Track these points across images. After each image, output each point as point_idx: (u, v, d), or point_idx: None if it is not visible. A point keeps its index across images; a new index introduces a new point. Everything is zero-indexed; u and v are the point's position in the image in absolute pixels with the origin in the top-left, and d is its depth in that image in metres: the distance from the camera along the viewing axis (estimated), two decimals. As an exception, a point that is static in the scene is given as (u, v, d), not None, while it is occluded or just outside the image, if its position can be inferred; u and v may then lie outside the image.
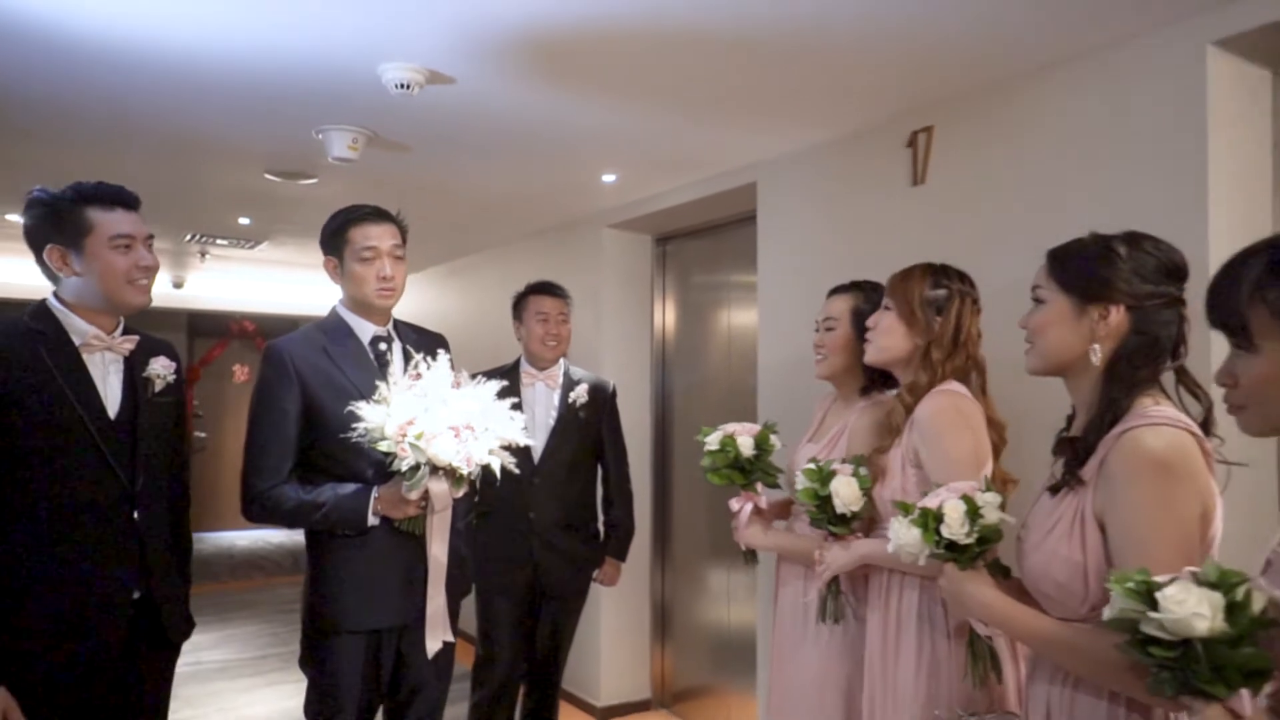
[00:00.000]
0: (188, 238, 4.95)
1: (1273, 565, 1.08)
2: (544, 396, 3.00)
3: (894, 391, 2.04)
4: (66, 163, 3.36)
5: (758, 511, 2.14)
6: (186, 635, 1.98)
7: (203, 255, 5.37)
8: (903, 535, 1.47)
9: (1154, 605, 1.01)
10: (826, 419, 2.27)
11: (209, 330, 8.99)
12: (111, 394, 1.84)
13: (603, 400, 3.08)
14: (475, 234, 4.90)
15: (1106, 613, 1.08)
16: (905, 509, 1.50)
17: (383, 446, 1.87)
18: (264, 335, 9.12)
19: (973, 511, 1.41)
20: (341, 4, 2.02)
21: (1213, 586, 0.99)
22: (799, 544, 2.11)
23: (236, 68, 2.41)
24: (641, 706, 4.24)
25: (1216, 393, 1.19)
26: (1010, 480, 1.92)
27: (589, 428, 3.03)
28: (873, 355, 1.97)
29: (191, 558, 2.09)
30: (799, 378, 3.04)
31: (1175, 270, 1.41)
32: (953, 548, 1.42)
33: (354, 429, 1.90)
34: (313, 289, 7.24)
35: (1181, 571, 1.04)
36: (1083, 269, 1.42)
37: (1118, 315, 1.38)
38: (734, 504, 2.15)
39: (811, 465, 1.93)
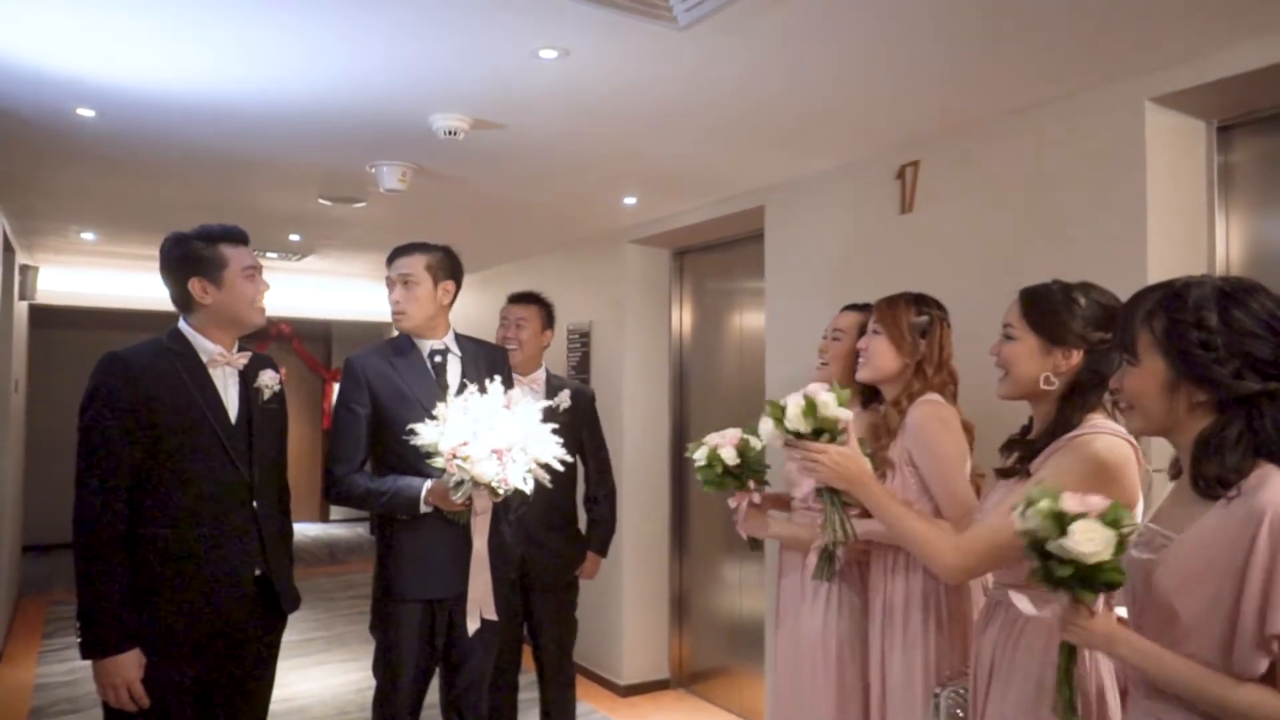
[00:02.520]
0: (241, 251, 5.33)
1: (1143, 535, 1.40)
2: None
3: (884, 405, 2.34)
4: (155, 191, 3.77)
5: (753, 506, 2.39)
6: (295, 607, 2.29)
7: (251, 266, 5.74)
8: (762, 427, 1.85)
9: (1064, 532, 1.27)
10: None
11: (249, 333, 9.35)
12: (231, 402, 2.16)
13: (584, 405, 3.23)
14: (506, 246, 5.24)
15: (1019, 524, 1.33)
16: (769, 405, 1.86)
17: (435, 463, 2.18)
18: (299, 337, 9.52)
19: (810, 407, 1.76)
20: (397, 64, 2.36)
21: (1111, 525, 1.27)
22: (795, 532, 2.40)
23: (303, 114, 2.76)
24: (661, 685, 4.55)
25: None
26: (979, 474, 2.24)
27: (572, 431, 3.06)
28: (865, 374, 2.25)
29: (293, 545, 2.39)
30: (803, 383, 3.33)
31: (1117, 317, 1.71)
32: (798, 435, 1.79)
33: (413, 441, 2.20)
34: (344, 294, 7.61)
35: (1089, 505, 1.30)
36: (1051, 317, 1.71)
37: (1077, 356, 1.69)
38: (732, 503, 2.40)
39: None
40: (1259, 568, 1.18)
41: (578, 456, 3.19)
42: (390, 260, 2.51)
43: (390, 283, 2.49)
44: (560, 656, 3.21)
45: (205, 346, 2.15)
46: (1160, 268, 2.27)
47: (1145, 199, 2.28)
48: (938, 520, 1.77)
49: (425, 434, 2.20)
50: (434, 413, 2.22)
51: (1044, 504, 1.30)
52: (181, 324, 2.18)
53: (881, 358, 2.21)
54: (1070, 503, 1.29)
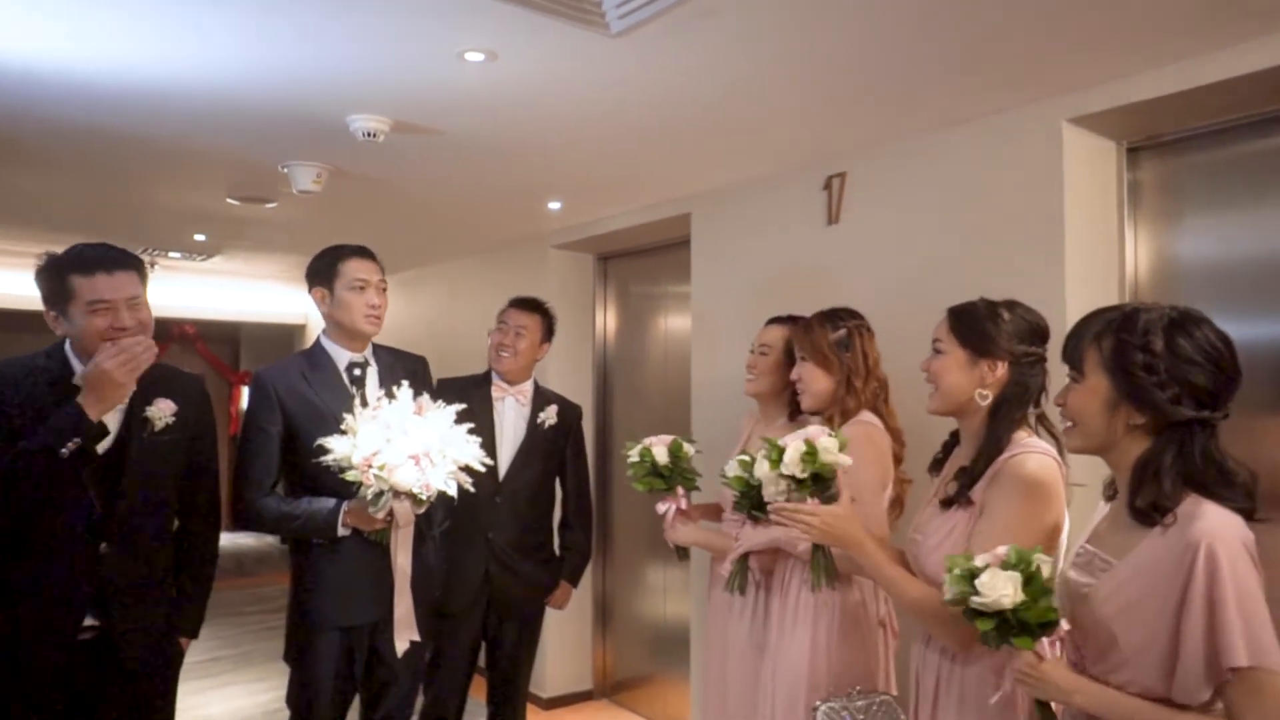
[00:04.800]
0: (141, 250, 5.04)
1: (1081, 557, 1.43)
2: (513, 412, 2.93)
3: (816, 417, 2.35)
4: (41, 185, 3.51)
5: (681, 512, 2.41)
6: (153, 664, 2.05)
7: (152, 265, 5.45)
8: (759, 469, 1.81)
9: (976, 590, 1.31)
10: (753, 434, 2.57)
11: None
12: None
13: (571, 422, 3.03)
14: (426, 250, 5.10)
15: (945, 594, 1.38)
16: (768, 442, 1.82)
17: (350, 476, 2.07)
18: (204, 339, 9.11)
19: (811, 454, 1.73)
20: (313, 59, 2.23)
21: (1012, 567, 1.31)
22: (724, 542, 2.38)
23: (209, 106, 2.58)
24: (584, 696, 4.50)
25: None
26: (906, 480, 2.27)
27: (554, 448, 2.97)
28: (809, 404, 2.26)
29: (209, 585, 2.22)
30: (729, 392, 3.34)
31: (1041, 333, 1.76)
32: (795, 479, 1.75)
33: (322, 459, 2.10)
34: (253, 296, 7.31)
35: (992, 556, 1.35)
36: (976, 329, 1.73)
37: (1002, 369, 1.71)
38: (659, 507, 2.41)
39: (745, 456, 2.13)
40: (1198, 601, 1.21)
41: (556, 477, 3.05)
42: (358, 259, 2.40)
43: (365, 284, 2.37)
44: (516, 686, 3.01)
45: (79, 368, 1.97)
46: (1077, 281, 2.35)
47: (1063, 215, 2.35)
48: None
49: (336, 447, 2.09)
50: (342, 426, 2.12)
51: (956, 570, 1.35)
52: (66, 342, 2.02)
53: (816, 383, 2.23)
54: (978, 560, 1.34)
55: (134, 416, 2.02)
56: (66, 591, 1.91)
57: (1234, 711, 1.22)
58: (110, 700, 1.99)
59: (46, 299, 1.97)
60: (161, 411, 2.04)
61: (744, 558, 2.23)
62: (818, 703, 1.97)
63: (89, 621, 1.94)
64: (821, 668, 2.08)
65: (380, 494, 2.07)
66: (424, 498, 2.11)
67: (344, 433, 2.11)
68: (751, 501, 2.11)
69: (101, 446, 1.92)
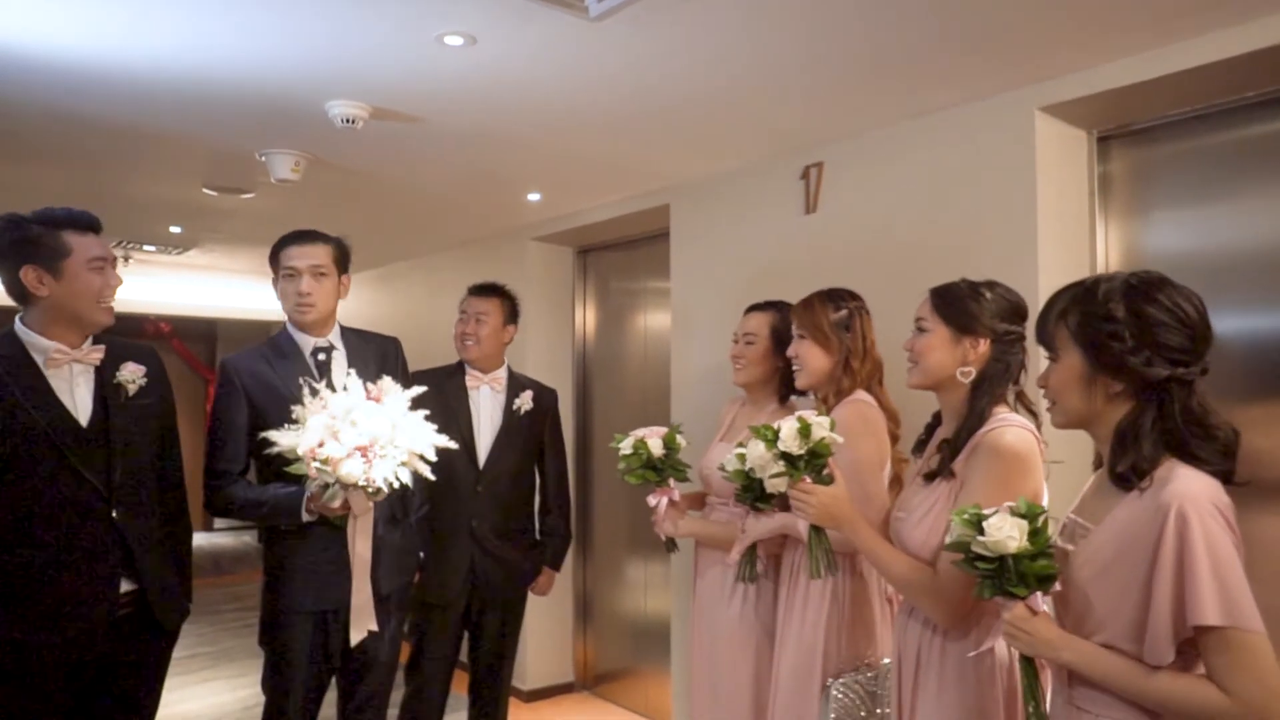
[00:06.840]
0: (114, 243, 4.98)
1: (1067, 528, 1.46)
2: (489, 400, 2.95)
3: (808, 398, 2.37)
4: (11, 175, 3.47)
5: (672, 504, 2.41)
6: (179, 622, 2.13)
7: (126, 260, 5.38)
8: (752, 451, 1.81)
9: (982, 532, 1.35)
10: (736, 421, 2.57)
11: (123, 331, 8.71)
12: (81, 403, 1.96)
13: (547, 407, 3.05)
14: (404, 243, 5.08)
15: (948, 539, 1.41)
16: (755, 431, 1.83)
17: (294, 469, 2.03)
18: (179, 336, 9.01)
19: (805, 429, 1.75)
20: (292, 44, 2.23)
21: (1022, 516, 1.35)
22: (714, 530, 2.40)
23: (185, 92, 2.55)
24: (565, 689, 4.50)
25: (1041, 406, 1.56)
26: (903, 459, 2.29)
27: (532, 434, 2.99)
28: (805, 381, 2.27)
29: (190, 547, 2.24)
30: (709, 383, 3.36)
31: (1021, 312, 1.80)
32: (789, 459, 1.77)
33: (269, 451, 2.06)
34: (230, 291, 7.22)
35: (1001, 505, 1.38)
36: (959, 307, 1.77)
37: (985, 346, 1.75)
38: (651, 500, 2.40)
39: (742, 449, 2.10)
40: (1168, 562, 1.22)
41: (535, 463, 3.05)
42: (289, 247, 2.35)
43: (294, 272, 2.33)
44: (499, 677, 3.01)
45: (41, 345, 1.94)
46: (1050, 269, 2.38)
47: (1036, 203, 2.39)
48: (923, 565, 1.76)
49: (281, 440, 2.05)
50: (293, 416, 2.08)
51: (964, 515, 1.37)
52: (17, 323, 1.97)
53: (813, 361, 2.24)
54: (986, 509, 1.37)
55: (107, 385, 2.01)
56: (97, 557, 1.93)
57: (1216, 674, 1.21)
58: (138, 659, 2.05)
59: (31, 257, 1.90)
60: (133, 374, 2.04)
61: (752, 545, 2.24)
62: (830, 680, 2.02)
63: (126, 587, 1.99)
64: (833, 648, 2.09)
65: (327, 486, 2.03)
66: (371, 490, 2.05)
67: (295, 422, 2.07)
68: (754, 494, 2.10)
69: (83, 419, 1.95)
